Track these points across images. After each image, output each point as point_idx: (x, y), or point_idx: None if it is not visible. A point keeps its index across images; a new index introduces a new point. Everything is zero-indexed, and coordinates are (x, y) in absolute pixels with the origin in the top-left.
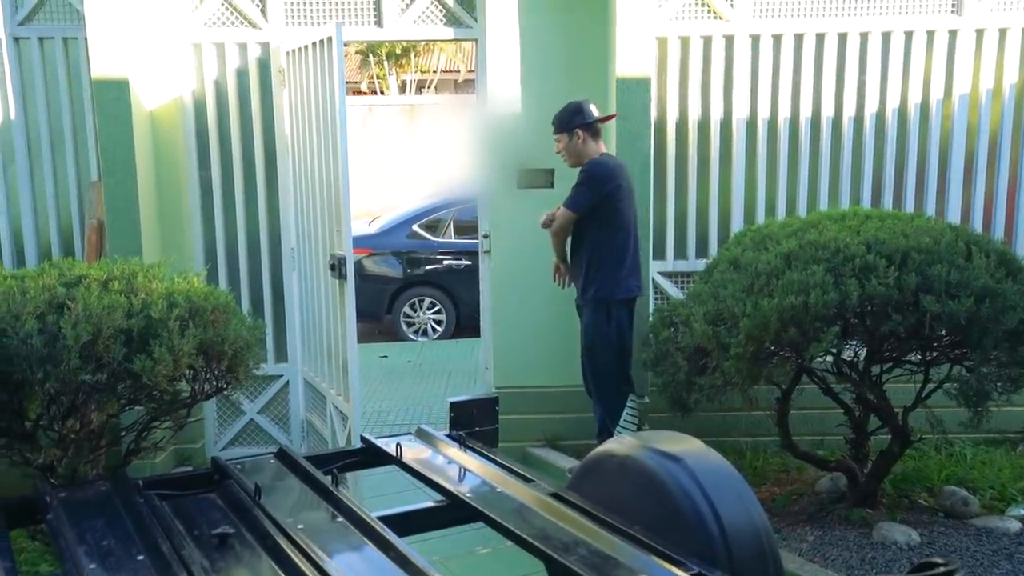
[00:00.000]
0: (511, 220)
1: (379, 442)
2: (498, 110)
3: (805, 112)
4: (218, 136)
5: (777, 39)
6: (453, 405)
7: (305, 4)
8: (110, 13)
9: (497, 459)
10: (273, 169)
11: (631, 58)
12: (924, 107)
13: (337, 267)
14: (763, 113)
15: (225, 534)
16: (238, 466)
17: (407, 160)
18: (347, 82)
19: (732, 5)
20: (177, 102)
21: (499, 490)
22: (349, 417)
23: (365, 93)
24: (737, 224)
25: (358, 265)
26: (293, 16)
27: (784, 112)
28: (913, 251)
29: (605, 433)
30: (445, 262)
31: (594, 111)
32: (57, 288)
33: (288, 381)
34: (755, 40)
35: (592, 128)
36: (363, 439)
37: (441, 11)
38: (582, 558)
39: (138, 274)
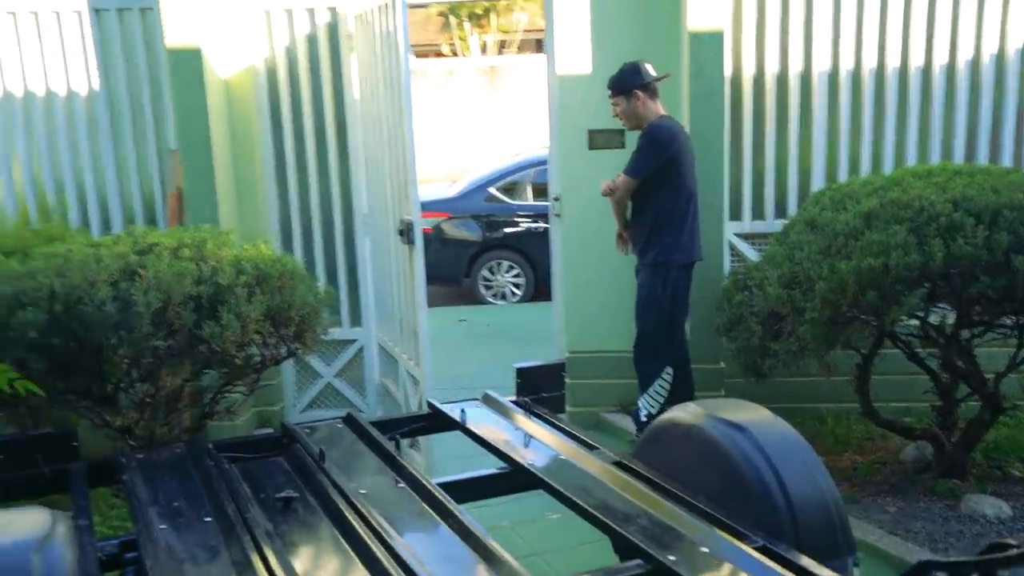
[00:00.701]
0: (582, 182)
1: (444, 408)
2: (568, 69)
3: (892, 62)
4: (290, 104)
5: None
6: (519, 371)
7: None
8: None
9: (562, 425)
10: (344, 136)
11: (703, 10)
12: None
13: (405, 232)
14: (846, 65)
15: (289, 498)
16: (307, 431)
17: (487, 122)
18: (427, 44)
19: None
20: (250, 71)
21: (562, 458)
22: (420, 381)
23: (446, 55)
24: (818, 183)
25: (436, 229)
26: None
27: (869, 63)
28: (1005, 208)
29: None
30: (523, 225)
31: (651, 71)
32: (130, 256)
33: (363, 346)
34: None
35: (650, 88)
36: (429, 404)
37: None
38: (642, 529)
39: (208, 241)
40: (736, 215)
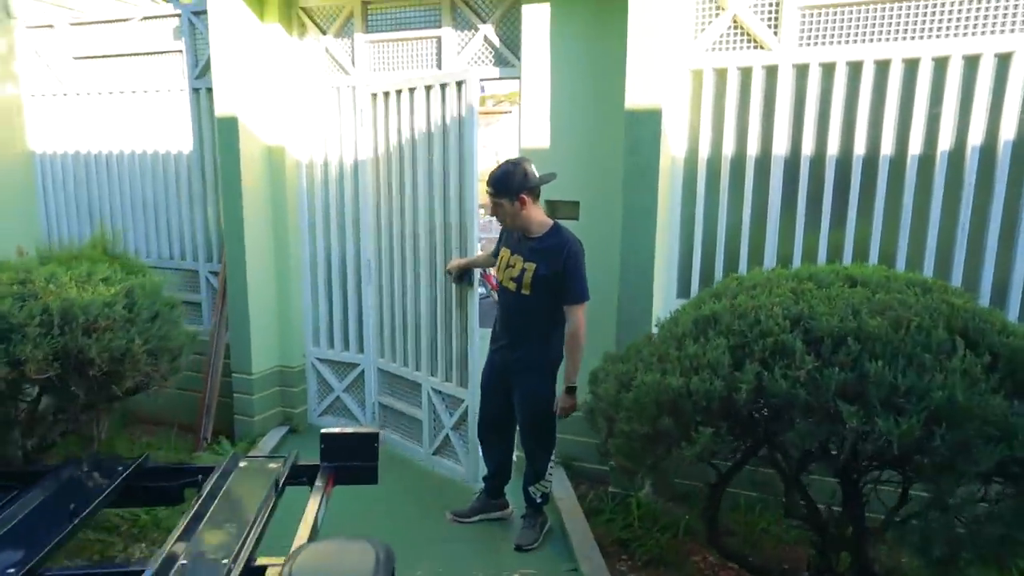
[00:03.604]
0: None
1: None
2: (532, 143)
3: (858, 150)
4: (323, 168)
5: (828, 68)
6: (323, 436)
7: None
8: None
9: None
10: (356, 200)
11: (640, 88)
12: (1020, 146)
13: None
14: (805, 150)
15: None
16: None
17: None
18: None
19: (776, 32)
20: (282, 134)
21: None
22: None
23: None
24: (769, 265)
25: None
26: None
27: (831, 150)
28: (852, 336)
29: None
30: None
31: (535, 173)
32: None
33: (364, 369)
34: (801, 70)
35: (535, 192)
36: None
37: (491, 52)
38: None
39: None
40: (684, 292)
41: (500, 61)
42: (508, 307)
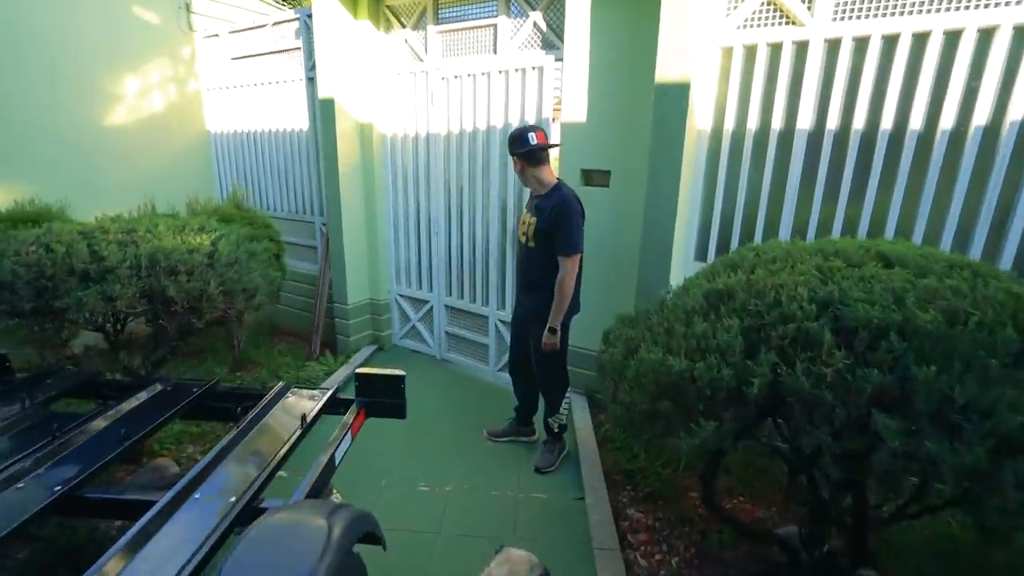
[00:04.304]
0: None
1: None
2: (571, 117)
3: (885, 124)
4: (402, 138)
5: (861, 42)
6: (357, 376)
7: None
8: None
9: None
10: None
11: (671, 64)
12: None
13: None
14: (830, 124)
15: None
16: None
17: None
18: None
19: (810, 8)
20: (371, 113)
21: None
22: None
23: None
24: (785, 236)
25: None
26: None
27: (857, 124)
28: (894, 329)
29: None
30: None
31: (533, 138)
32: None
33: (432, 306)
34: (832, 45)
35: (533, 156)
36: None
37: (539, 37)
38: None
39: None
40: (701, 255)
41: (546, 45)
42: (520, 259)
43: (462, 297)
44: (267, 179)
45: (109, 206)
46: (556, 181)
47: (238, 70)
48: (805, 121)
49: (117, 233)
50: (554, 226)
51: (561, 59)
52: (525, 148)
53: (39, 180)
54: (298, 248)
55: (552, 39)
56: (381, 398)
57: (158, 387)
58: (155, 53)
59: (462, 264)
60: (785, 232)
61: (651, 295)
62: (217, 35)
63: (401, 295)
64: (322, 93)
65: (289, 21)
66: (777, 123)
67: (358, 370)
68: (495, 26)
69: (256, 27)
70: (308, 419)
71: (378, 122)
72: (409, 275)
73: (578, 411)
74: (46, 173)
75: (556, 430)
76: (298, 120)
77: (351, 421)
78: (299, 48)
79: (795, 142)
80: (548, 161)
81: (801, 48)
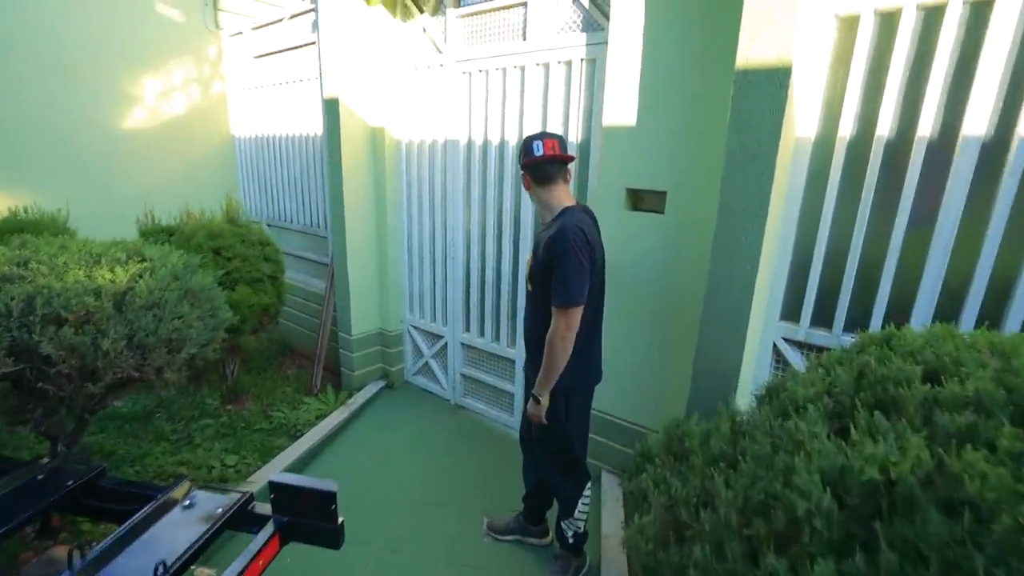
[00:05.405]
0: (624, 239)
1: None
2: (615, 120)
3: None
4: (418, 152)
5: None
6: (271, 485)
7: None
8: None
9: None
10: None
11: (760, 38)
12: None
13: None
14: (1021, 130)
15: None
16: None
17: None
18: None
19: None
20: (376, 115)
21: None
22: None
23: None
24: (926, 302)
25: None
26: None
27: None
28: None
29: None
30: None
31: (540, 148)
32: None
33: (447, 342)
34: None
35: (540, 171)
36: None
37: (579, 16)
38: None
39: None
40: (792, 314)
41: (588, 26)
42: (525, 306)
43: (482, 335)
44: (284, 188)
45: (127, 214)
46: (565, 206)
47: (260, 69)
48: (974, 125)
49: (5, 265)
50: (547, 267)
51: (604, 42)
52: (529, 160)
53: (50, 185)
54: (314, 265)
55: (595, 18)
56: (304, 519)
57: (26, 474)
58: (178, 52)
59: (483, 296)
60: (930, 296)
61: (715, 375)
62: (241, 32)
63: (415, 326)
64: (326, 92)
65: (305, 13)
66: (926, 127)
67: (272, 478)
68: (525, 4)
69: (274, 22)
70: (208, 534)
71: (391, 126)
72: (423, 304)
73: (608, 504)
74: (58, 178)
75: (571, 540)
76: (314, 123)
77: (258, 549)
78: (315, 43)
79: (956, 156)
80: (563, 180)
81: (977, 11)
